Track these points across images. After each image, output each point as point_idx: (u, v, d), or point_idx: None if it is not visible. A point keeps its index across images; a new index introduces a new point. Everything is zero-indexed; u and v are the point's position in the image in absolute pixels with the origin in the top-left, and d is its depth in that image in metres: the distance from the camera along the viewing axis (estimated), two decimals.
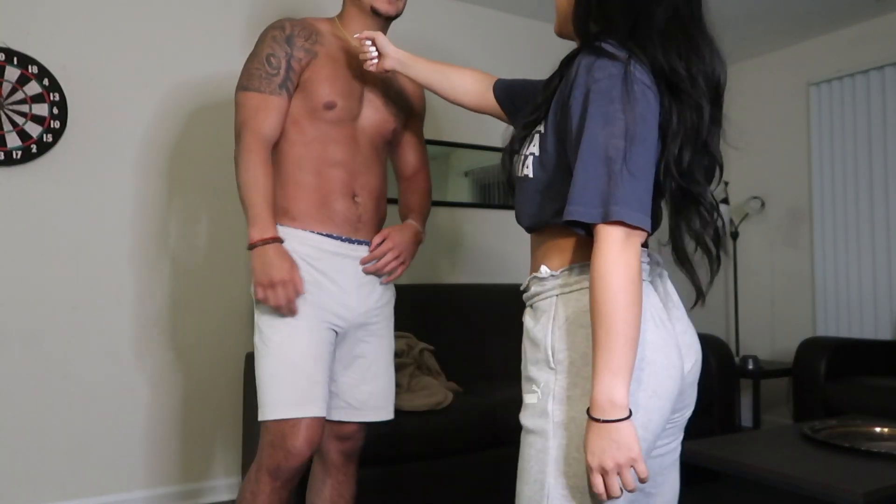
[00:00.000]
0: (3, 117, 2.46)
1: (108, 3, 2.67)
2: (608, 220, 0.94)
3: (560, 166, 1.06)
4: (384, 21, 1.72)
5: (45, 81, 2.52)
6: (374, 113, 1.73)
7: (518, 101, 1.41)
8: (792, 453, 2.01)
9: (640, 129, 0.96)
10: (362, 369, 1.73)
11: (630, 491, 0.96)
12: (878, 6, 3.55)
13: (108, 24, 2.66)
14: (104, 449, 2.59)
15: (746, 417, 4.04)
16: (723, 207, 4.00)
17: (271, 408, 1.57)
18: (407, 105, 1.84)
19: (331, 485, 1.78)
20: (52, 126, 2.53)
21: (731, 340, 4.27)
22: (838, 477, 1.76)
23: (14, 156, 2.47)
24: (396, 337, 2.70)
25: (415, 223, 1.81)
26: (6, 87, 2.47)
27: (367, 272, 1.69)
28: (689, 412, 1.16)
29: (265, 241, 1.54)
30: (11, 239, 2.48)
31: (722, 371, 3.09)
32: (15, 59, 2.48)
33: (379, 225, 1.77)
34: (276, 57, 1.62)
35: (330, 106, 1.64)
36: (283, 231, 1.62)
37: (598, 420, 0.93)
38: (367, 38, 1.62)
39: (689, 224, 1.06)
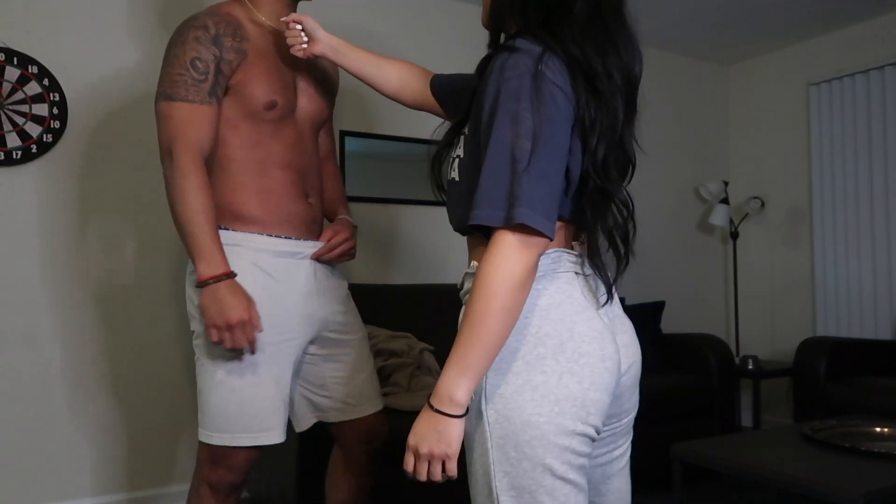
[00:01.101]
0: (3, 117, 2.46)
1: (109, 4, 2.67)
2: (511, 224, 0.92)
3: (479, 168, 1.03)
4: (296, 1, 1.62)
5: (45, 81, 2.52)
6: (309, 103, 1.64)
7: (456, 98, 1.36)
8: (792, 453, 2.02)
9: (548, 131, 0.94)
10: (349, 363, 1.68)
11: (434, 482, 0.97)
12: (878, 6, 3.55)
13: (108, 24, 2.66)
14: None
15: (746, 417, 4.05)
16: (723, 207, 4.01)
17: (217, 434, 1.49)
18: (333, 88, 1.75)
19: (353, 484, 1.74)
20: (52, 126, 2.53)
21: (731, 340, 4.28)
22: (838, 477, 1.76)
23: (14, 156, 2.47)
24: (397, 337, 2.73)
25: (347, 217, 1.75)
26: (6, 87, 2.46)
27: (314, 256, 1.61)
28: (628, 417, 1.14)
29: (217, 278, 1.40)
30: (11, 239, 2.48)
31: (722, 371, 3.10)
32: (15, 59, 2.48)
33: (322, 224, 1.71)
34: (203, 60, 1.45)
35: (270, 106, 1.52)
36: (237, 237, 1.51)
37: (431, 407, 0.96)
38: (295, 22, 1.51)
39: (604, 222, 1.05)
